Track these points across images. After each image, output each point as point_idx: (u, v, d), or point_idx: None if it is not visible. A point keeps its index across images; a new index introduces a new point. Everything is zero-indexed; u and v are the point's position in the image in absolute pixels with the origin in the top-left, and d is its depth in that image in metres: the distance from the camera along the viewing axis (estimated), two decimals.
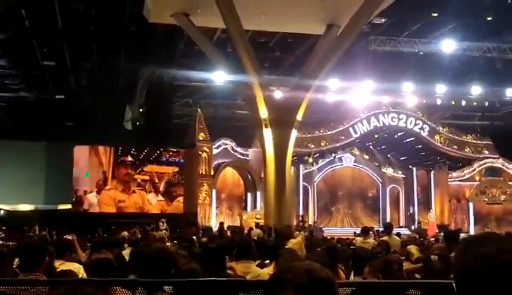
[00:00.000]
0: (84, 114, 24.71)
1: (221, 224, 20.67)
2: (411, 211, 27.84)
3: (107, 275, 4.17)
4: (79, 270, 5.08)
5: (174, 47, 22.50)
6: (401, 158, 30.25)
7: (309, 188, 28.70)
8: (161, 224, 18.68)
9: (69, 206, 23.78)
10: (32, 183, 24.86)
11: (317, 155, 27.43)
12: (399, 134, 28.02)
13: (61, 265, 5.38)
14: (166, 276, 3.52)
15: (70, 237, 7.35)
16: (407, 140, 28.35)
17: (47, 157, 25.49)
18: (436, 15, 20.31)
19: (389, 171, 30.31)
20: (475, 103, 28.04)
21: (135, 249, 6.16)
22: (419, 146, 28.36)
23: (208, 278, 3.75)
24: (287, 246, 7.82)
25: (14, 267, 4.92)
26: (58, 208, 24.12)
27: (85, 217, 21.70)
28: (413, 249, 8.03)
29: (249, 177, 27.07)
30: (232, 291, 3.32)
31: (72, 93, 25.90)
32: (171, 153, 24.97)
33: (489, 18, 20.09)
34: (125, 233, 11.42)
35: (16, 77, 24.45)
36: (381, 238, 11.11)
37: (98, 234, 12.66)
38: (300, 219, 24.58)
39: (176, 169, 24.83)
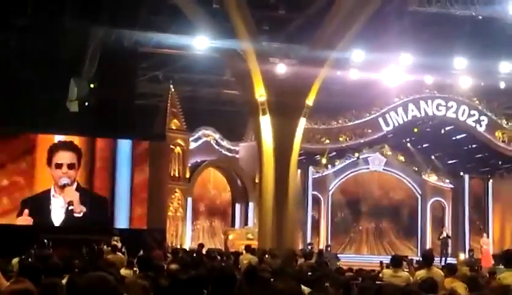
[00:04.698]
0: (12, 89, 24.61)
1: (200, 246, 20.68)
2: (444, 235, 27.88)
3: None
4: None
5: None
6: (449, 162, 30.33)
7: (322, 199, 28.76)
8: (114, 242, 18.58)
9: None
10: None
11: (334, 153, 27.44)
12: (447, 128, 28.03)
13: None
14: None
15: None
16: (458, 137, 28.40)
17: None
18: None
19: (432, 178, 30.40)
20: None
21: (71, 278, 6.19)
22: (474, 146, 28.41)
23: None
24: None
25: None
26: None
27: (11, 232, 21.59)
28: (460, 287, 8.05)
29: (239, 182, 27.09)
30: None
31: None
32: None
33: None
34: None
35: None
36: (417, 272, 11.16)
37: (30, 256, 12.64)
38: (308, 246, 24.62)
39: None
